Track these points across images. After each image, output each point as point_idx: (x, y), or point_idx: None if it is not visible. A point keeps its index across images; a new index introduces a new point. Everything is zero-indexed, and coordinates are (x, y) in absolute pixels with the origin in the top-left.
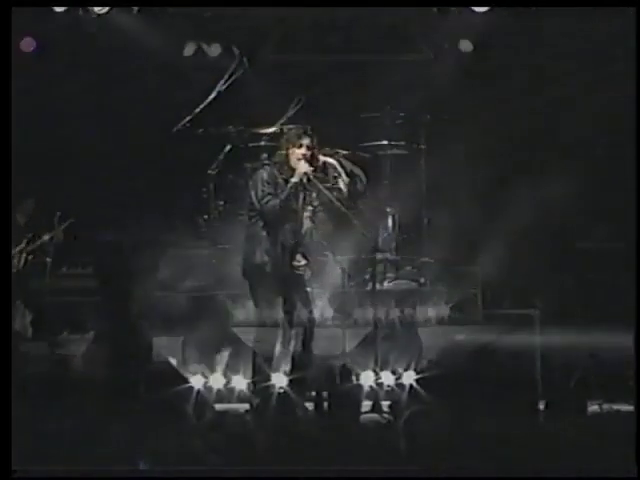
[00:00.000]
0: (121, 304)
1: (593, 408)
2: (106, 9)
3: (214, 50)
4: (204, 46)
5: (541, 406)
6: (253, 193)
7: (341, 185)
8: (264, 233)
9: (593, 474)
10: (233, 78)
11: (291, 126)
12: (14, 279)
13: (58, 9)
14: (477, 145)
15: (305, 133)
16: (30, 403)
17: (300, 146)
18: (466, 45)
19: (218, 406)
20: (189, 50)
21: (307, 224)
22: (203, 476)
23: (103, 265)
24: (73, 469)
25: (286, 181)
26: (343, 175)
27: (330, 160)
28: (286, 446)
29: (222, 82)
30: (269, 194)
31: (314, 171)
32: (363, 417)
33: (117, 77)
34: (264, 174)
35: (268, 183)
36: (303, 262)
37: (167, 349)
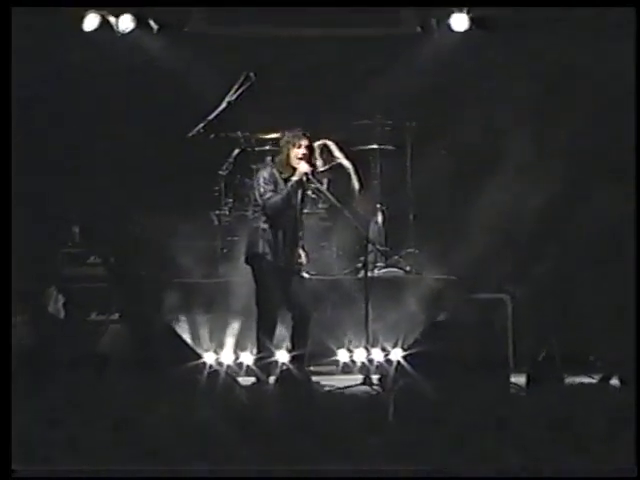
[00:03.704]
0: (143, 289)
1: None
2: (130, 28)
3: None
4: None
5: (519, 379)
6: (256, 190)
7: (344, 162)
8: (266, 226)
9: (592, 474)
10: (242, 90)
11: (290, 130)
12: (47, 267)
13: (87, 29)
14: (457, 149)
15: (304, 135)
16: (67, 376)
17: (299, 146)
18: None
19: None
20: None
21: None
22: (203, 476)
23: (128, 254)
24: (73, 469)
25: (286, 180)
26: (342, 157)
27: (327, 142)
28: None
29: (231, 93)
30: (271, 191)
31: (313, 171)
32: (355, 389)
33: (139, 91)
34: (265, 173)
35: (268, 181)
36: (304, 258)
37: (183, 329)
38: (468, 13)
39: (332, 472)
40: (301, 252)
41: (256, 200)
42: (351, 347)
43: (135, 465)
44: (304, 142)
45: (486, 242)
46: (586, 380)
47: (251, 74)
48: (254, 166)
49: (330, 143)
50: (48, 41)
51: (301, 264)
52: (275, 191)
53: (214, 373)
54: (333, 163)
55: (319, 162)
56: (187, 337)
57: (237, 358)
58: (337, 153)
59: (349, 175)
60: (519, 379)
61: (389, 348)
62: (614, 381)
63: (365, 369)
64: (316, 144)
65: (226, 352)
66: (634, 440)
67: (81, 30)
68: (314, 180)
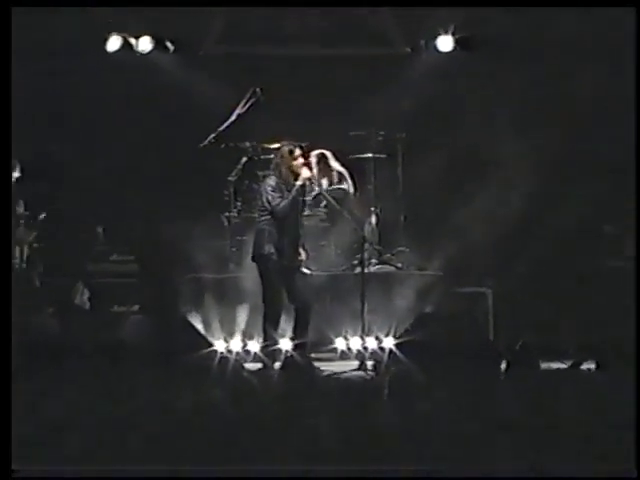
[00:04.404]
0: (160, 283)
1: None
2: (149, 49)
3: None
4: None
5: (500, 364)
6: (264, 198)
7: (341, 170)
8: (271, 229)
9: (592, 474)
10: (249, 104)
11: (284, 142)
12: (72, 264)
13: (111, 49)
14: (444, 157)
15: (295, 146)
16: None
17: (296, 157)
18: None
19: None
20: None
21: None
22: (203, 476)
23: (146, 253)
24: (73, 469)
25: (288, 188)
26: (337, 165)
27: (324, 151)
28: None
29: (240, 107)
30: (279, 197)
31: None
32: (351, 374)
33: (155, 105)
34: (271, 182)
35: (275, 188)
36: (304, 255)
37: (196, 319)
38: (453, 35)
39: (332, 472)
40: (301, 250)
41: (262, 205)
42: (348, 336)
43: (138, 465)
44: (298, 151)
45: (469, 241)
46: (560, 366)
47: (257, 89)
48: (260, 173)
49: (327, 152)
50: (76, 59)
51: (301, 261)
52: (282, 197)
53: (224, 359)
54: (337, 185)
55: (315, 169)
56: (200, 327)
57: (245, 346)
58: (333, 162)
59: (346, 181)
60: (500, 364)
61: (382, 337)
62: (586, 366)
63: (360, 356)
64: (314, 153)
65: (235, 340)
66: (634, 440)
67: (104, 50)
68: (316, 185)
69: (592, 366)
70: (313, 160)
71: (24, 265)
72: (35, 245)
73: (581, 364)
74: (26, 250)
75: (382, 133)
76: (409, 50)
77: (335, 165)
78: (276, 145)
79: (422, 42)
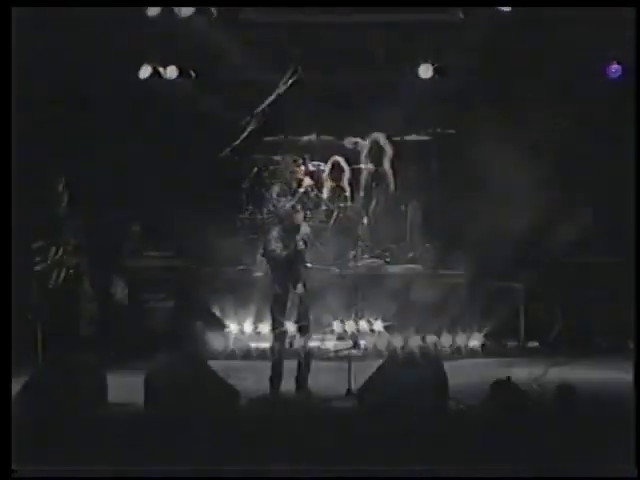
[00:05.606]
0: (184, 276)
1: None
2: (175, 76)
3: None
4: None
5: (474, 343)
6: (270, 202)
7: (344, 184)
8: (278, 227)
9: (593, 474)
10: (290, 82)
11: (288, 155)
12: (113, 261)
13: (142, 76)
14: (427, 167)
15: (297, 157)
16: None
17: (298, 166)
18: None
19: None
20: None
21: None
22: (204, 476)
23: (177, 250)
24: (73, 469)
25: (292, 193)
26: (345, 178)
27: (338, 158)
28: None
29: (281, 85)
30: (283, 201)
31: (315, 185)
32: (347, 352)
33: (185, 123)
34: (277, 188)
35: (280, 193)
36: (303, 246)
37: (215, 305)
38: (433, 64)
39: (332, 472)
40: (301, 242)
41: (270, 208)
42: (343, 320)
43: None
44: (300, 161)
45: (449, 239)
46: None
47: (299, 68)
48: (268, 181)
49: (340, 159)
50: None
51: (301, 251)
52: (285, 201)
53: (238, 340)
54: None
55: (327, 171)
56: (218, 312)
57: (256, 328)
58: (346, 167)
59: (343, 188)
60: (474, 342)
61: (373, 321)
62: (530, 344)
63: (354, 337)
64: (331, 159)
65: (247, 324)
66: (634, 441)
67: (138, 77)
68: (316, 191)
69: (535, 344)
70: (328, 165)
71: (51, 263)
72: (73, 261)
73: (526, 343)
74: (60, 251)
75: (374, 146)
76: (396, 76)
77: (343, 177)
78: (280, 157)
79: (407, 69)
